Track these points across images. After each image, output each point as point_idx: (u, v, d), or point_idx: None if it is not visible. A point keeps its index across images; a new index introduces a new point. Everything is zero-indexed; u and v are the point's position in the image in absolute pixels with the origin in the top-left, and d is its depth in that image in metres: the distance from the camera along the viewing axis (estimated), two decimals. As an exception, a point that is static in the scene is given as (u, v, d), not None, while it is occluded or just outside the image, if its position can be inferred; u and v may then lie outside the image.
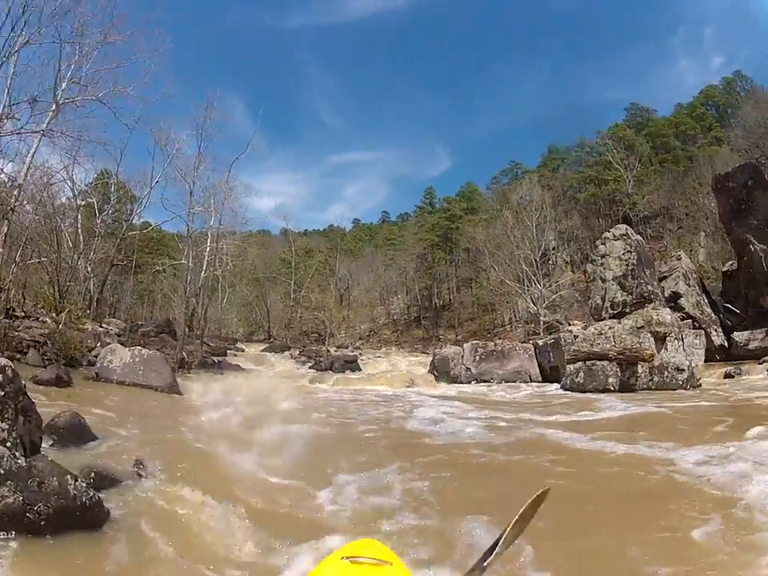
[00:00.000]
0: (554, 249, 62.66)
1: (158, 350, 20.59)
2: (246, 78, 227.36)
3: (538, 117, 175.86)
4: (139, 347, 17.80)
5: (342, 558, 1.79)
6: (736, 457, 7.70)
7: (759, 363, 24.39)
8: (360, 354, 43.32)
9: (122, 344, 19.28)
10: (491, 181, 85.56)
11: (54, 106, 25.88)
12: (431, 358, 30.06)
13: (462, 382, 26.38)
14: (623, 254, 28.66)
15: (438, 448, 9.78)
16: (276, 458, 7.79)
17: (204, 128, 35.06)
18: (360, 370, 31.70)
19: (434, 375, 27.54)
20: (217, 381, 19.79)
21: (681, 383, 20.01)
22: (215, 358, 29.49)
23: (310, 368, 31.72)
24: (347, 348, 53.21)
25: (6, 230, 24.06)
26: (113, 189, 39.18)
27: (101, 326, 25.28)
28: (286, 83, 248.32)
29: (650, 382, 20.08)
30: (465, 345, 29.04)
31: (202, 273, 44.25)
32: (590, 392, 19.77)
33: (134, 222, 39.74)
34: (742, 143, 52.42)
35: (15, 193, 25.39)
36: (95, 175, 38.93)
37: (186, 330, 30.64)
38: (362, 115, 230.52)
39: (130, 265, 40.06)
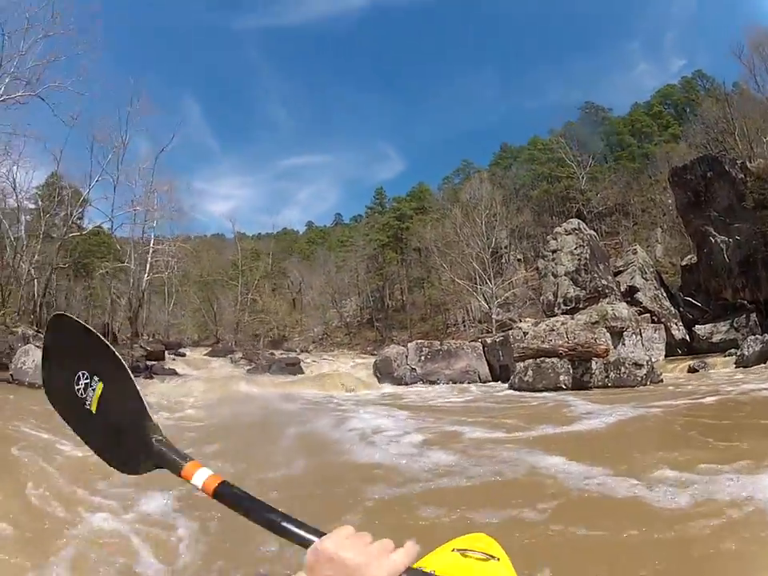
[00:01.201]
0: (506, 247, 61.19)
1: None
2: (200, 80, 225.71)
3: (492, 120, 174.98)
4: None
5: (453, 549, 1.80)
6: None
7: (725, 356, 22.63)
8: (307, 356, 42.05)
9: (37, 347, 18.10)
10: (443, 181, 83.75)
11: None
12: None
13: (406, 384, 24.33)
14: (575, 248, 27.14)
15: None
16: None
17: (129, 117, 35.17)
18: (302, 372, 29.51)
19: (377, 377, 25.52)
20: None
21: (640, 379, 17.83)
22: (149, 363, 28.16)
23: (247, 371, 29.67)
24: (297, 351, 51.60)
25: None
26: (56, 190, 36.83)
27: (35, 331, 23.59)
28: (238, 86, 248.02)
29: (606, 379, 17.95)
30: (409, 344, 27.05)
31: (145, 276, 43.00)
32: (541, 391, 17.87)
33: (83, 225, 40.05)
34: (701, 139, 52.03)
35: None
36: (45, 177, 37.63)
37: (117, 333, 29.09)
38: (314, 118, 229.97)
39: (76, 268, 39.07)
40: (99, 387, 1.51)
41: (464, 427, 11.24)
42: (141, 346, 32.18)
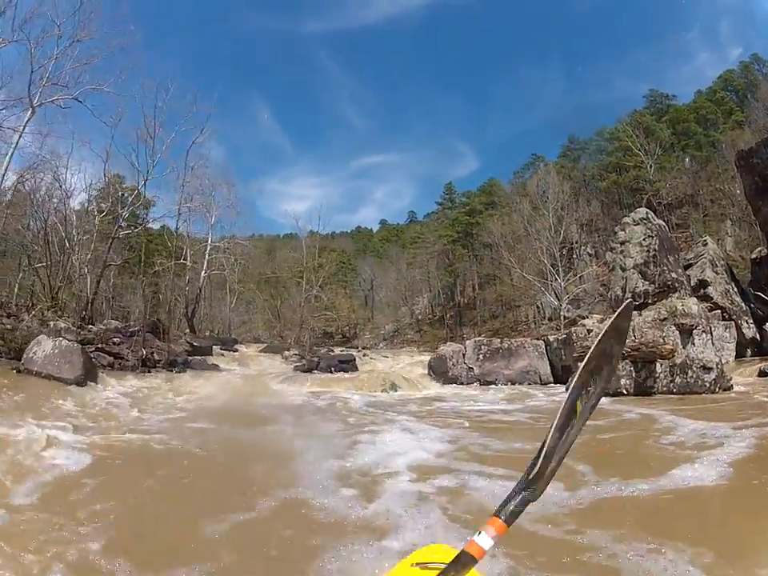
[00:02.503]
0: (576, 242, 59.21)
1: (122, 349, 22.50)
2: (270, 84, 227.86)
3: (559, 114, 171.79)
4: (62, 339, 17.12)
5: (412, 564, 1.70)
6: None
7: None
8: (366, 353, 41.78)
9: (70, 340, 18.15)
10: (513, 176, 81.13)
11: (30, 109, 26.00)
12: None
13: (462, 383, 22.72)
14: (644, 239, 25.34)
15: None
16: None
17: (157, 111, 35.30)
18: (356, 370, 28.12)
19: (430, 376, 23.97)
20: (157, 380, 19.58)
21: (708, 385, 16.00)
22: (190, 357, 27.56)
23: (294, 368, 28.42)
24: (358, 348, 50.83)
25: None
26: (108, 189, 37.20)
27: (70, 325, 23.55)
28: (309, 88, 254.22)
29: (671, 384, 16.20)
30: (467, 342, 25.30)
31: (203, 273, 42.81)
32: None
33: (138, 223, 40.45)
34: (763, 121, 50.46)
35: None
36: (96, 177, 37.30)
37: (166, 329, 29.85)
38: (386, 117, 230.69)
39: (139, 267, 39.79)
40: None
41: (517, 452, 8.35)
42: (187, 341, 32.18)
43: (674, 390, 16.05)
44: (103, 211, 35.49)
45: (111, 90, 28.66)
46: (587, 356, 1.52)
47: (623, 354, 16.40)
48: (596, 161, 69.28)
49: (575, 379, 1.48)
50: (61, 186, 33.13)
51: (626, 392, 16.07)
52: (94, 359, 19.38)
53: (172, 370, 23.38)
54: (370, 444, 9.07)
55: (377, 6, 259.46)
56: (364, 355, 38.33)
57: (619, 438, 9.51)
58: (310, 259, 54.95)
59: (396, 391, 20.31)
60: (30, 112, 26.15)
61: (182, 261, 42.43)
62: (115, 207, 35.16)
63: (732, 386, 16.63)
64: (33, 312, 23.15)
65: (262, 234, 54.05)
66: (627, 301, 1.83)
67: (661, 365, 16.44)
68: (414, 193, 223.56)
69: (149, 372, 21.76)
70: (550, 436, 1.37)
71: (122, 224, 34.86)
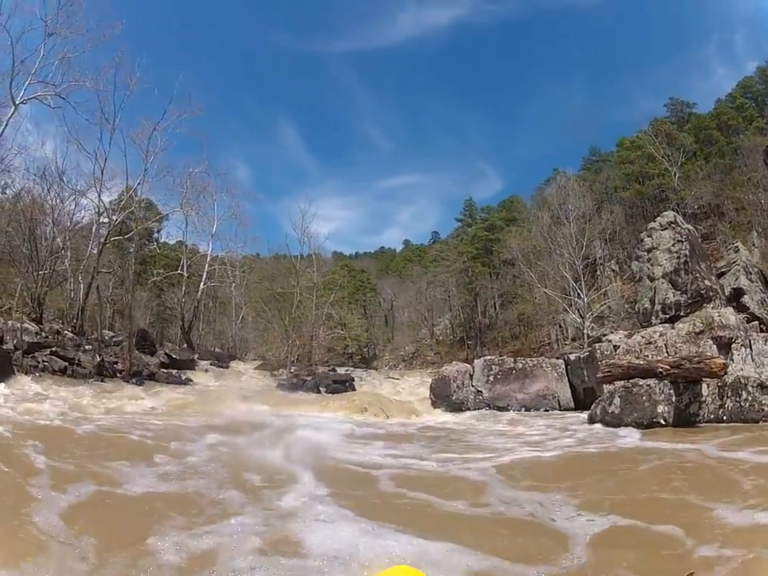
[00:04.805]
0: (600, 258, 55.92)
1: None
2: (296, 105, 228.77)
3: (582, 132, 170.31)
4: None
5: None
6: None
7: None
8: (367, 374, 40.81)
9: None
10: (535, 192, 77.74)
11: (11, 106, 25.73)
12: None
13: (468, 409, 19.04)
14: (673, 244, 21.84)
15: None
16: None
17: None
18: (353, 390, 26.23)
19: (431, 400, 20.37)
20: (90, 389, 18.38)
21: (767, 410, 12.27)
22: (165, 370, 27.74)
23: (277, 386, 26.98)
24: (361, 368, 50.48)
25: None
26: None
27: (32, 326, 23.37)
28: (334, 109, 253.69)
29: (721, 410, 12.46)
30: (475, 361, 21.48)
31: (201, 284, 41.77)
32: (629, 425, 12.18)
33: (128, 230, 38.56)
34: None
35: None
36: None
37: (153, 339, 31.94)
38: (411, 138, 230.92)
39: (138, 277, 40.84)
40: None
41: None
42: (165, 353, 31.69)
43: (724, 418, 12.37)
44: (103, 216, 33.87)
45: (92, 87, 28.66)
46: None
47: (660, 373, 12.71)
48: (618, 171, 66.03)
49: None
50: (48, 190, 32.00)
51: (663, 422, 12.19)
52: (45, 362, 19.98)
53: (129, 381, 22.53)
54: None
55: (401, 26, 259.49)
56: (368, 375, 37.59)
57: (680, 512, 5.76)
58: (326, 279, 52.85)
59: (384, 419, 17.05)
60: (11, 109, 25.88)
61: (178, 272, 41.19)
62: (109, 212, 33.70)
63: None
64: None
65: (285, 254, 53.30)
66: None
67: (708, 386, 12.76)
68: (439, 214, 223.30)
69: (101, 381, 21.18)
70: None
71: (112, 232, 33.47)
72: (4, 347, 19.79)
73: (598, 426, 13.12)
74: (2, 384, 16.10)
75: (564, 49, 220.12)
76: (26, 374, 18.57)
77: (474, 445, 11.47)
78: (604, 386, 14.28)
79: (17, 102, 25.73)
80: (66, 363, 20.90)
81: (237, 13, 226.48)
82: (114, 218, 32.63)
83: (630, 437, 11.13)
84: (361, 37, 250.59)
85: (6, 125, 26.00)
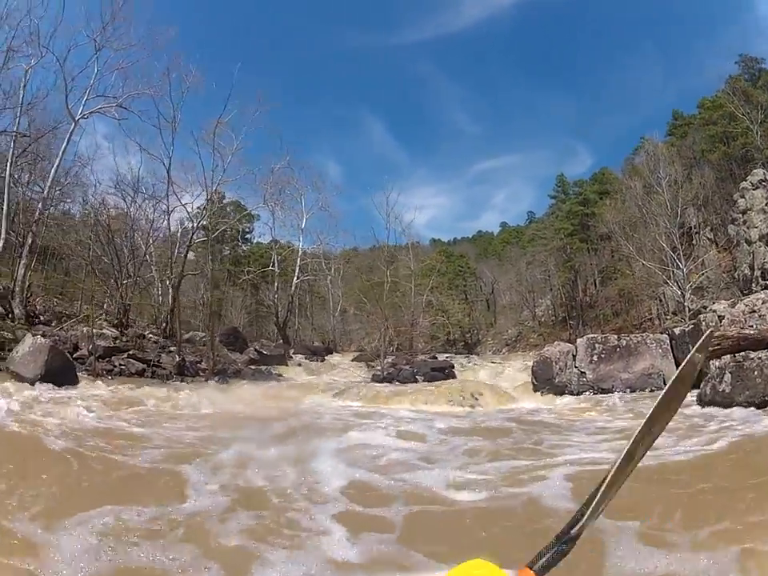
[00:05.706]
0: (695, 226, 54.04)
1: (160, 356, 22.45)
2: (379, 99, 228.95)
3: (661, 101, 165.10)
4: (40, 336, 17.08)
5: None
6: None
7: None
8: (470, 359, 41.19)
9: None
10: (624, 162, 74.57)
11: (71, 123, 26.32)
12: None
13: (572, 393, 18.00)
14: (766, 204, 20.63)
15: None
16: None
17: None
18: (453, 377, 25.06)
19: (533, 384, 19.53)
20: (163, 390, 17.03)
21: None
22: (256, 367, 28.07)
23: (372, 377, 26.40)
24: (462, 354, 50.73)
25: (30, 241, 24.68)
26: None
27: (110, 331, 23.69)
28: (416, 99, 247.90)
29: None
30: (578, 340, 19.88)
31: (294, 279, 41.79)
32: (741, 405, 11.06)
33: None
34: None
35: (39, 206, 26.42)
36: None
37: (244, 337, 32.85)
38: (497, 121, 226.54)
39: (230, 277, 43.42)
40: None
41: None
42: (255, 350, 31.98)
43: None
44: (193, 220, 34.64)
45: (151, 94, 28.78)
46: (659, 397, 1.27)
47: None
48: (703, 134, 63.78)
49: (641, 427, 1.23)
50: (128, 199, 32.18)
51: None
52: (122, 366, 20.35)
53: (211, 379, 22.53)
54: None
55: (468, 11, 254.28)
56: (468, 362, 37.29)
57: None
58: (419, 264, 52.96)
59: (473, 407, 16.31)
60: (73, 125, 26.34)
61: (270, 268, 41.50)
62: (201, 216, 34.59)
63: None
64: (75, 318, 23.51)
65: (382, 244, 53.34)
66: (709, 330, 1.56)
67: None
68: (534, 194, 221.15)
69: (181, 381, 21.18)
70: (603, 488, 1.19)
71: (201, 233, 34.52)
72: (78, 353, 20.26)
73: (711, 408, 11.82)
74: (62, 387, 15.56)
75: (632, 15, 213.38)
76: (96, 377, 18.54)
77: (588, 444, 9.57)
78: (711, 361, 13.46)
79: (77, 118, 26.14)
80: (145, 365, 21.20)
81: (303, 15, 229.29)
82: (198, 221, 33.23)
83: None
84: (429, 27, 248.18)
85: (69, 140, 26.56)
